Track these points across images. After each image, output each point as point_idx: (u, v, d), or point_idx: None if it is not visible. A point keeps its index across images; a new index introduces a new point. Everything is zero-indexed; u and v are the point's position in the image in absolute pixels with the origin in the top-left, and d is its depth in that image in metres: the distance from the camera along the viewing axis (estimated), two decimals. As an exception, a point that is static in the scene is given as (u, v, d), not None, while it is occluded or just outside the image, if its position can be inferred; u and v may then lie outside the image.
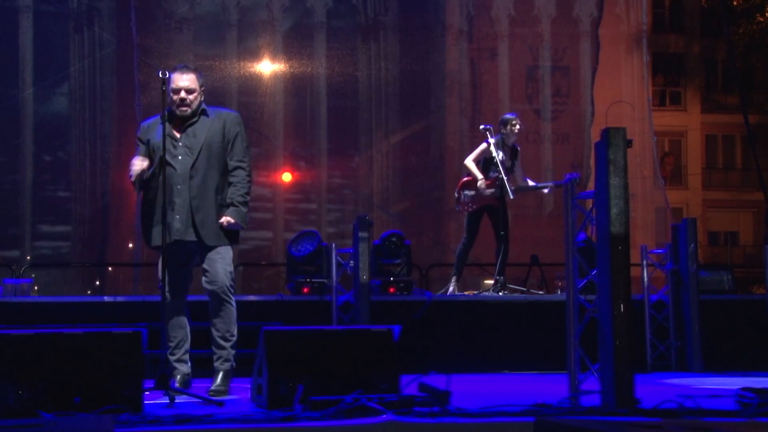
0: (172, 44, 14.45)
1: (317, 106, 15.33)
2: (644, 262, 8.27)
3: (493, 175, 8.67)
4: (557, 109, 16.03)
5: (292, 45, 15.13)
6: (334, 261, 7.84)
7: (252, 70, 14.90)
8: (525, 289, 9.26)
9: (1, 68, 14.15)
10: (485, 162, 8.79)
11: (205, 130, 5.47)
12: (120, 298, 8.22)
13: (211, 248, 5.38)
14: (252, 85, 14.84)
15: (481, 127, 8.77)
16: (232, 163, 5.49)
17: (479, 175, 8.72)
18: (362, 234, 7.50)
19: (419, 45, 15.40)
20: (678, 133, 26.21)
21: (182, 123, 5.49)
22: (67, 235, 14.51)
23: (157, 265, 5.44)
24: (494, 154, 8.60)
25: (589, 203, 4.91)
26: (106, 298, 8.18)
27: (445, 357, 7.72)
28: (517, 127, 8.84)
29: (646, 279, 8.25)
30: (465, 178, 8.90)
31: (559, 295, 8.65)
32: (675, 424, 3.51)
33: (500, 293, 8.53)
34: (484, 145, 8.75)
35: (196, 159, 5.40)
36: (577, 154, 15.69)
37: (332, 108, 15.36)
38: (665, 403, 4.22)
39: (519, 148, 8.84)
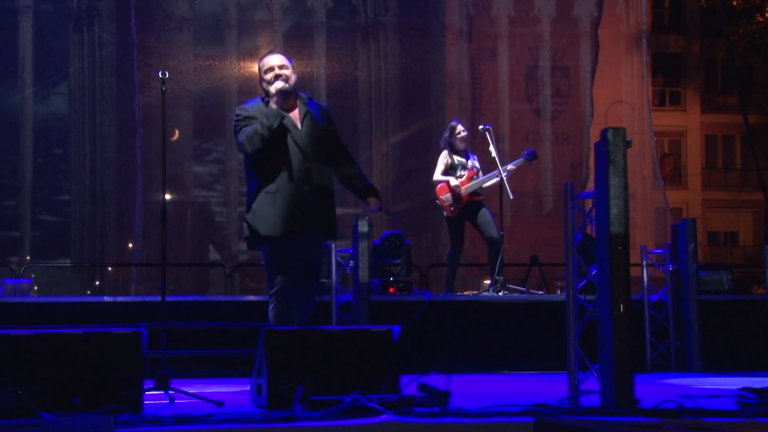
0: (172, 44, 14.46)
1: (317, 106, 15.33)
2: (644, 262, 8.26)
3: (461, 174, 8.72)
4: (557, 109, 16.04)
5: (292, 45, 15.14)
6: (334, 261, 7.84)
7: (252, 70, 14.90)
8: (525, 289, 9.25)
9: (1, 68, 14.16)
10: (448, 172, 8.82)
11: (320, 119, 5.35)
12: (120, 298, 8.21)
13: (322, 247, 5.39)
14: (252, 85, 14.82)
15: (480, 127, 8.77)
16: (347, 155, 5.45)
17: (451, 178, 8.72)
18: (362, 234, 7.50)
19: (419, 45, 15.40)
20: (678, 133, 26.22)
21: (290, 109, 5.28)
22: (67, 235, 14.51)
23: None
24: (453, 160, 8.75)
25: (589, 203, 4.90)
26: (106, 298, 8.18)
27: (445, 357, 7.72)
28: (462, 134, 8.82)
29: (645, 279, 8.25)
30: (439, 186, 8.88)
31: (558, 295, 8.65)
32: (675, 424, 3.51)
33: (500, 293, 8.53)
34: (442, 158, 8.85)
35: (323, 149, 5.27)
36: (576, 154, 15.70)
37: (332, 108, 15.30)
38: (665, 403, 4.22)
39: (491, 144, 8.75)
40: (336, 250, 7.89)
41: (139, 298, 8.15)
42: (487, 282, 9.39)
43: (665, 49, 25.83)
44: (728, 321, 8.41)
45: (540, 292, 9.44)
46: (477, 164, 8.81)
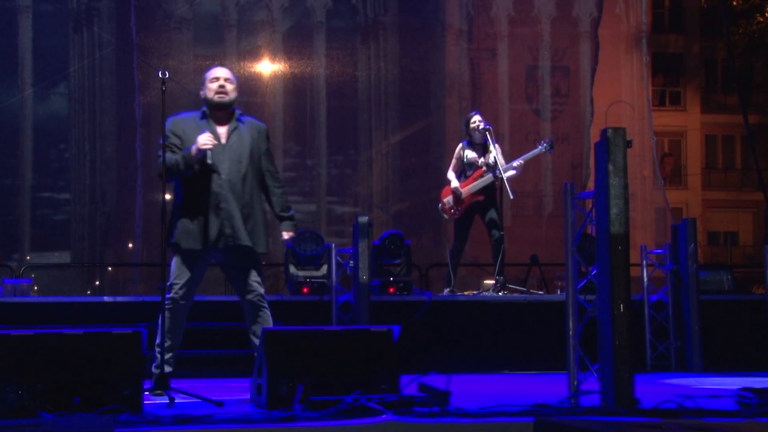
0: (172, 44, 14.45)
1: (317, 106, 15.34)
2: (644, 262, 8.27)
3: (470, 172, 8.70)
4: (557, 109, 16.04)
5: (292, 45, 15.14)
6: (334, 261, 7.84)
7: (252, 70, 14.91)
8: (525, 289, 9.25)
9: (1, 68, 14.15)
10: (463, 167, 8.81)
11: (248, 136, 5.48)
12: (120, 298, 8.21)
13: (251, 255, 5.42)
14: (252, 85, 14.84)
15: (481, 127, 8.76)
16: (270, 174, 5.57)
17: (453, 181, 8.73)
18: (362, 234, 7.50)
19: (419, 45, 15.40)
20: (678, 133, 26.22)
21: (221, 122, 5.47)
22: (67, 235, 14.51)
23: (168, 265, 5.34)
24: (463, 155, 8.72)
25: (589, 203, 4.91)
26: (106, 298, 8.18)
27: (445, 357, 7.72)
28: (476, 124, 8.76)
29: (645, 279, 8.25)
30: (444, 188, 8.89)
31: (558, 295, 8.65)
32: (675, 424, 3.51)
33: (500, 293, 8.53)
34: (456, 152, 8.85)
35: (246, 166, 5.41)
36: (576, 154, 15.70)
37: (332, 108, 15.36)
38: (665, 403, 4.22)
39: (491, 143, 8.71)
40: (336, 250, 7.90)
41: (139, 298, 8.15)
42: (490, 282, 9.38)
43: (665, 49, 25.82)
44: (728, 321, 8.41)
45: (540, 292, 9.43)
46: (494, 158, 8.62)
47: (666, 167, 23.43)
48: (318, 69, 15.07)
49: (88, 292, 14.49)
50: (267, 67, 15.07)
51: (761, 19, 20.77)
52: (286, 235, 5.59)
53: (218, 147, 5.35)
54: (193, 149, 5.25)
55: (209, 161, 5.25)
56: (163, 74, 5.21)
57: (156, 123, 13.68)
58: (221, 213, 5.31)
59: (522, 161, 8.79)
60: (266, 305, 5.45)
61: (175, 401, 4.68)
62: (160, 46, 14.28)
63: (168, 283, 5.34)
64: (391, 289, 8.24)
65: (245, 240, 5.34)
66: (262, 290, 5.43)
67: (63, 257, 14.43)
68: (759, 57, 21.75)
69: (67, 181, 14.54)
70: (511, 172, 8.72)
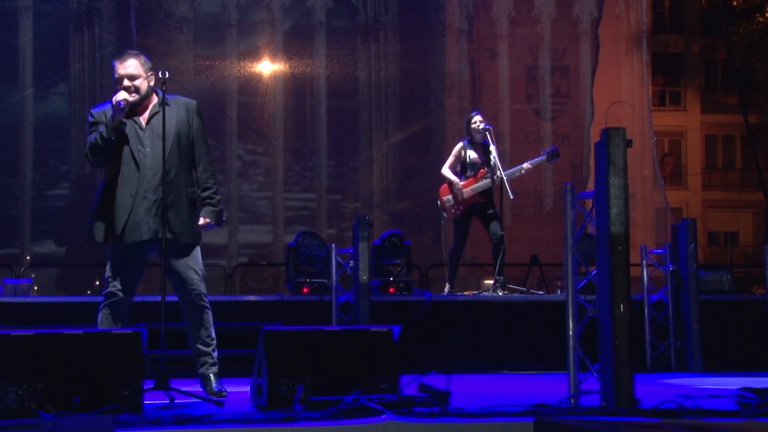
0: (172, 44, 14.45)
1: (317, 106, 15.34)
2: (644, 262, 8.27)
3: (471, 173, 8.70)
4: (557, 109, 16.04)
5: (292, 45, 15.14)
6: (334, 261, 7.84)
7: (252, 70, 14.90)
8: (525, 289, 9.26)
9: (1, 68, 14.15)
10: (461, 166, 8.81)
11: (174, 118, 5.09)
12: (120, 298, 8.18)
13: (182, 248, 5.06)
14: (252, 85, 14.84)
15: (481, 127, 8.76)
16: (199, 156, 5.20)
17: (454, 178, 8.71)
18: (362, 234, 7.50)
19: (419, 45, 15.40)
20: (678, 133, 26.22)
21: (142, 111, 5.13)
22: (67, 234, 14.50)
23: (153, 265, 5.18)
24: (465, 155, 8.70)
25: (589, 203, 4.91)
26: (106, 298, 8.15)
27: (445, 357, 7.72)
28: (478, 124, 8.76)
29: (645, 279, 8.25)
30: (442, 186, 8.89)
31: (558, 295, 8.65)
32: (675, 424, 3.51)
33: (500, 293, 8.53)
34: (455, 150, 8.82)
35: (171, 150, 5.02)
36: (576, 154, 15.70)
37: (332, 108, 15.36)
38: (665, 403, 4.22)
39: (490, 144, 8.72)
40: (336, 250, 7.90)
41: (139, 298, 8.12)
42: (490, 282, 9.39)
43: (665, 49, 25.82)
44: (728, 321, 8.41)
45: (540, 292, 9.44)
46: (495, 159, 8.67)
47: (666, 167, 23.43)
48: (318, 69, 15.07)
49: (88, 292, 14.48)
50: (267, 67, 15.06)
51: (761, 19, 20.78)
52: (201, 221, 5.13)
53: (138, 132, 5.04)
54: (108, 108, 4.95)
55: (123, 121, 4.95)
56: (163, 74, 5.17)
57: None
58: (143, 203, 4.97)
59: (530, 165, 8.83)
60: (207, 304, 5.13)
61: (175, 401, 4.68)
62: (160, 46, 14.27)
63: (105, 283, 5.06)
64: (391, 289, 8.25)
65: (166, 232, 4.92)
66: (201, 287, 5.11)
67: (63, 257, 14.41)
68: (759, 57, 21.75)
69: (67, 181, 14.53)
70: (517, 174, 8.80)
